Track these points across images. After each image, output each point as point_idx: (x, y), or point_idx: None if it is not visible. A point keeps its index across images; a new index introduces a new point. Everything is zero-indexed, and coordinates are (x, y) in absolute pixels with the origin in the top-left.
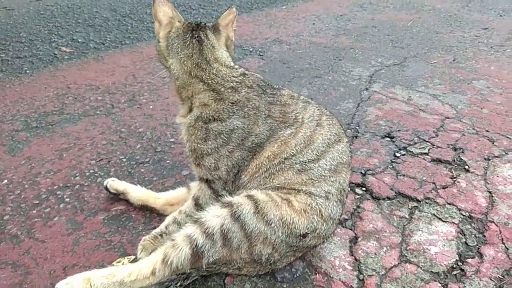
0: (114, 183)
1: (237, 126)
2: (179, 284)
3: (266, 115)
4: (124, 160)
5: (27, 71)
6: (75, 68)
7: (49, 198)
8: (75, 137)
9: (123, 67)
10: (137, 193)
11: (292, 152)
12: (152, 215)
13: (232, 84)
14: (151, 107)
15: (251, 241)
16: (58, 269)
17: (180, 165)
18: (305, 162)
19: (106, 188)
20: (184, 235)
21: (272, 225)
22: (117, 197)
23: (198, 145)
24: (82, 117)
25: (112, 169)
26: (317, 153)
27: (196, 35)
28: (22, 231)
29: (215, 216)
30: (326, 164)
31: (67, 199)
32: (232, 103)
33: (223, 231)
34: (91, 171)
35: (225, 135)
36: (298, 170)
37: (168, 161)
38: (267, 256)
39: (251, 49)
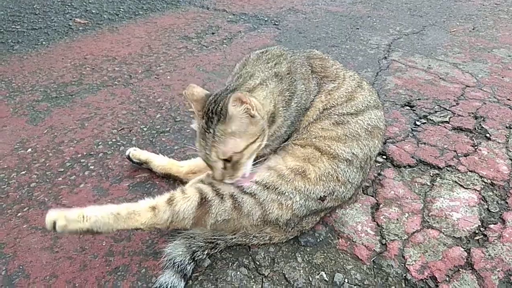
0: (136, 153)
1: (301, 89)
2: (206, 252)
3: (310, 71)
4: (145, 129)
5: (43, 43)
6: (90, 39)
7: (73, 166)
8: (95, 107)
9: (138, 38)
10: (160, 162)
11: (333, 103)
12: (176, 182)
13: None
14: (168, 77)
15: (265, 208)
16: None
17: None
18: (344, 114)
19: (128, 157)
20: (196, 187)
21: (286, 194)
22: (140, 166)
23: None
24: (101, 88)
25: (133, 138)
26: (356, 109)
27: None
28: (49, 198)
29: (227, 186)
30: (363, 122)
31: (92, 167)
32: (287, 73)
33: (233, 196)
34: (113, 140)
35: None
36: (336, 121)
37: (188, 130)
38: (285, 221)
39: (266, 19)
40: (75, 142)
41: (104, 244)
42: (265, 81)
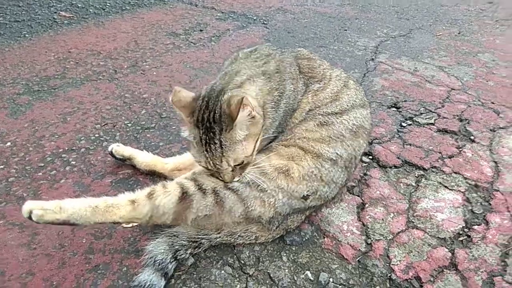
0: (120, 149)
1: (290, 89)
2: (189, 251)
3: (298, 71)
4: (129, 125)
5: (26, 35)
6: (75, 33)
7: (54, 161)
8: (79, 101)
9: (124, 33)
10: (144, 158)
11: (319, 104)
12: (160, 179)
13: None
14: (154, 73)
15: (247, 205)
16: (66, 230)
17: None
18: (328, 114)
19: (111, 153)
20: (177, 182)
21: (268, 191)
22: (123, 163)
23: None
24: (85, 82)
25: (117, 133)
26: (341, 109)
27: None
28: (28, 193)
29: (210, 181)
30: (348, 122)
31: (73, 162)
32: (276, 72)
33: (215, 191)
34: (96, 135)
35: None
36: (320, 122)
37: (174, 127)
38: (268, 219)
39: (254, 18)
40: (57, 136)
41: (84, 241)
42: (252, 78)
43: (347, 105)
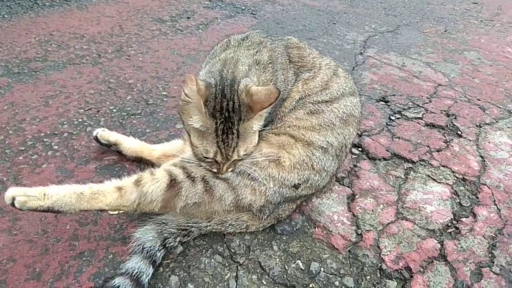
0: (105, 134)
1: (281, 80)
2: (178, 239)
3: (289, 60)
4: (114, 110)
5: (5, 16)
6: (57, 15)
7: (35, 145)
8: (61, 85)
9: (108, 17)
10: (131, 144)
11: (309, 93)
12: (147, 166)
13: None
14: (140, 59)
15: (238, 193)
16: (49, 215)
17: (174, 118)
18: (318, 103)
19: (96, 138)
20: (165, 169)
21: (260, 180)
22: (108, 148)
23: None
24: (67, 65)
25: (102, 118)
26: (331, 97)
27: None
28: (8, 177)
29: (199, 169)
30: (338, 110)
31: (56, 147)
32: (269, 63)
33: (204, 179)
34: (80, 119)
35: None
36: (310, 111)
37: (161, 114)
38: (259, 207)
39: (243, 7)
40: (38, 120)
41: (68, 228)
42: (250, 67)
43: (337, 93)
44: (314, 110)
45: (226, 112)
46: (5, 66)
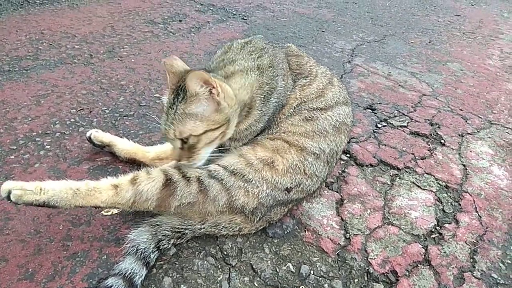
0: (99, 135)
1: (282, 85)
2: (172, 241)
3: (288, 68)
4: (107, 111)
5: None
6: (48, 14)
7: (27, 144)
8: (53, 84)
9: (100, 17)
10: (125, 146)
11: (305, 99)
12: (141, 168)
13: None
14: (132, 60)
15: (231, 194)
16: (41, 216)
17: None
18: (313, 110)
19: (89, 139)
20: (161, 169)
21: (253, 182)
22: (101, 149)
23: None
24: (59, 65)
25: (94, 119)
26: (326, 105)
27: None
28: (0, 176)
29: (194, 169)
30: (332, 118)
31: (48, 147)
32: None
33: (199, 179)
34: (72, 120)
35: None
36: (305, 117)
37: (154, 116)
38: (251, 209)
39: (234, 12)
40: (30, 119)
41: (61, 228)
42: (246, 71)
43: (331, 102)
44: (309, 117)
45: (180, 90)
46: None
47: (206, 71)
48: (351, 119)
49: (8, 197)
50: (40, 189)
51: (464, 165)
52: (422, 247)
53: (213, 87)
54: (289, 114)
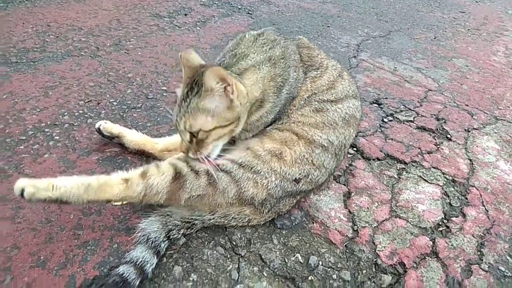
0: (108, 126)
1: (293, 77)
2: (182, 231)
3: (299, 59)
4: (115, 103)
5: (1, 4)
6: (54, 6)
7: (36, 135)
8: (60, 76)
9: (106, 10)
10: (134, 137)
11: (315, 91)
12: (149, 159)
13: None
14: (139, 53)
15: (240, 186)
16: (52, 205)
17: None
18: (324, 101)
19: (98, 130)
20: (170, 163)
21: (262, 173)
22: (110, 140)
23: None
24: (66, 57)
25: (102, 111)
26: (336, 97)
27: None
28: (10, 166)
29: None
30: (341, 110)
31: (57, 137)
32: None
33: (208, 172)
34: (80, 111)
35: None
36: (316, 108)
37: (161, 108)
38: (261, 200)
39: (239, 7)
40: (38, 110)
41: (72, 217)
42: (259, 65)
43: (342, 94)
44: (319, 108)
45: (194, 84)
46: (2, 55)
47: (223, 68)
48: (360, 113)
49: (22, 195)
50: (53, 186)
51: (470, 160)
52: (430, 240)
53: (228, 85)
54: (300, 106)
